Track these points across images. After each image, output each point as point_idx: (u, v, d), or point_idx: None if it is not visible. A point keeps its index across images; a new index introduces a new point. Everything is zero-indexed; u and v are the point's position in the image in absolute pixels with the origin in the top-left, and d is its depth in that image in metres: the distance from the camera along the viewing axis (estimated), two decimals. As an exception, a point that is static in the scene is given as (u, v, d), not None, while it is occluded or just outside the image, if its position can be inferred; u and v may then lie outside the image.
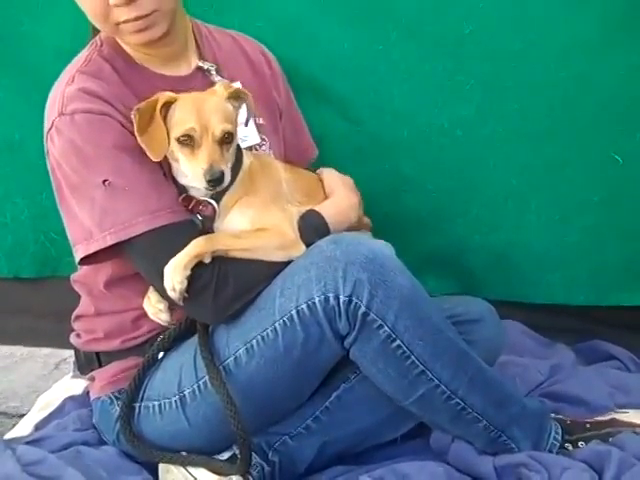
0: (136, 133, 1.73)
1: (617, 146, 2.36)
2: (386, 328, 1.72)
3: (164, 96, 1.75)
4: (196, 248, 1.72)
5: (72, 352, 2.12)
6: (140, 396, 1.90)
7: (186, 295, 1.73)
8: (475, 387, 1.82)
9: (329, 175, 2.07)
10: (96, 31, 1.93)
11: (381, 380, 1.81)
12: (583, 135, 2.37)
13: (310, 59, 2.38)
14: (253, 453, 1.83)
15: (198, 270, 1.73)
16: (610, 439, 1.93)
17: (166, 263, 1.72)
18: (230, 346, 1.80)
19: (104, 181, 1.75)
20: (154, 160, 1.76)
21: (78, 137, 1.78)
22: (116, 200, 1.76)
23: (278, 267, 1.80)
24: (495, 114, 2.38)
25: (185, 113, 1.74)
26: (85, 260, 1.82)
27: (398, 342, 1.73)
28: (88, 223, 1.78)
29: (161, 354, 1.91)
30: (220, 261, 1.76)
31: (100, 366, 1.99)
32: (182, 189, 1.83)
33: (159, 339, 1.89)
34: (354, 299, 1.69)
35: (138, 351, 1.94)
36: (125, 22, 1.81)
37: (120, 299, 1.94)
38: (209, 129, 1.73)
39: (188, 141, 1.73)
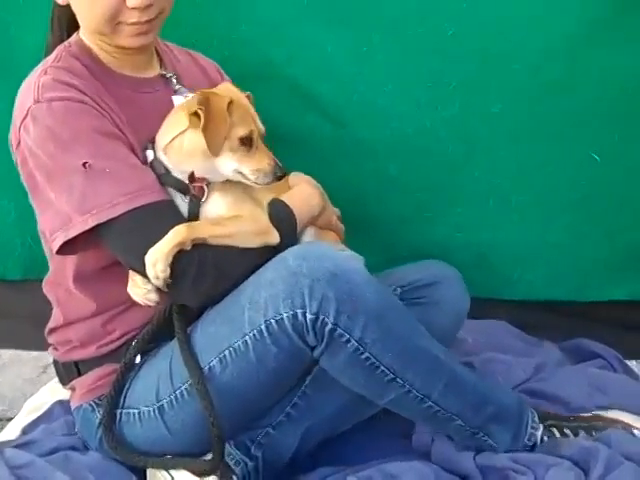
0: (202, 128, 1.76)
1: (596, 146, 2.41)
2: (353, 342, 1.73)
3: (223, 96, 1.82)
4: (177, 236, 1.73)
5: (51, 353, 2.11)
6: (121, 402, 1.91)
7: (169, 281, 1.74)
8: (449, 392, 1.84)
9: (292, 175, 2.09)
10: (53, 43, 1.96)
11: (352, 385, 1.84)
12: (563, 135, 2.41)
13: (294, 62, 2.39)
14: (235, 450, 1.88)
15: (178, 256, 1.74)
16: (594, 433, 1.95)
17: (148, 244, 1.73)
18: (203, 357, 1.82)
19: (84, 164, 1.75)
20: (214, 156, 1.80)
21: (56, 122, 1.77)
22: (96, 182, 1.75)
23: (254, 254, 1.82)
24: (478, 115, 2.40)
25: (244, 114, 1.84)
26: (63, 249, 1.80)
27: (367, 354, 1.75)
28: (66, 209, 1.77)
29: (138, 358, 1.91)
30: (199, 247, 1.77)
31: (79, 375, 1.99)
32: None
33: (134, 342, 1.90)
34: (321, 316, 1.71)
35: (115, 357, 1.94)
36: (132, 24, 1.84)
37: (86, 303, 1.93)
38: (259, 129, 1.86)
39: (248, 141, 1.82)
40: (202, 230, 1.78)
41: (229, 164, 1.82)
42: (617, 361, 2.40)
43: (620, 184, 2.46)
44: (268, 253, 1.82)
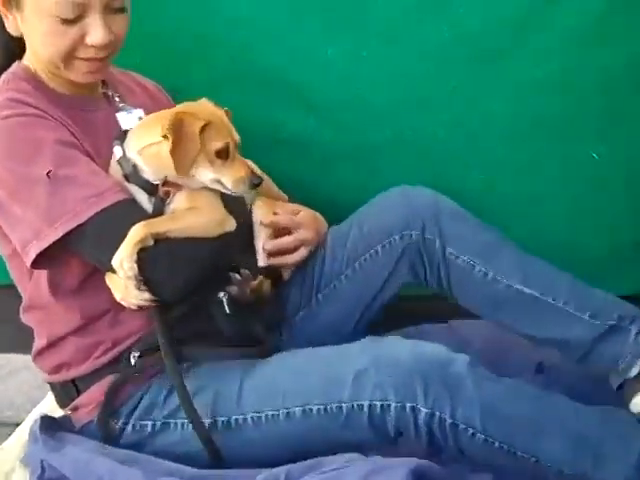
0: (169, 150, 1.78)
1: (595, 145, 2.44)
2: (479, 435, 1.75)
3: (197, 118, 1.83)
4: (136, 235, 1.76)
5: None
6: (155, 414, 1.90)
7: (140, 278, 1.76)
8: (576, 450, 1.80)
9: None
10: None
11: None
12: (562, 134, 2.45)
13: (294, 66, 2.42)
14: None
15: (142, 253, 1.75)
16: None
17: (118, 243, 1.75)
18: (286, 399, 1.82)
19: (47, 173, 1.75)
20: (180, 175, 1.82)
21: (14, 138, 1.79)
22: (61, 190, 1.76)
23: (215, 247, 1.86)
24: (476, 115, 2.44)
25: (219, 128, 1.86)
26: (38, 263, 1.80)
27: (497, 443, 1.76)
28: (35, 222, 1.76)
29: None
30: (161, 242, 1.79)
31: (79, 393, 1.97)
32: None
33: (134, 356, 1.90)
34: (437, 412, 1.73)
35: (114, 367, 1.93)
36: (87, 60, 1.86)
37: (70, 318, 1.93)
38: (233, 139, 1.88)
39: (224, 153, 1.85)
40: (160, 225, 1.81)
41: (207, 175, 1.85)
42: None
43: (619, 182, 2.50)
44: (226, 241, 1.87)
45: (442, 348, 1.83)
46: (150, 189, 1.86)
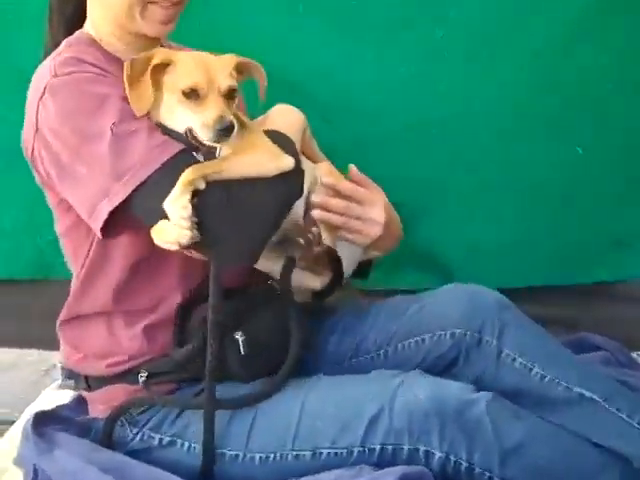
0: (125, 84, 1.68)
1: (580, 139, 2.50)
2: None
3: (160, 54, 1.72)
4: (186, 176, 1.63)
5: (61, 358, 2.09)
6: (165, 428, 1.86)
7: (195, 219, 1.62)
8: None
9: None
10: (53, 43, 1.92)
11: None
12: (548, 130, 2.50)
13: (292, 67, 2.43)
14: None
15: (197, 198, 1.63)
16: None
17: None
18: (296, 442, 1.77)
19: (111, 127, 1.68)
20: (138, 115, 1.70)
21: (76, 92, 1.73)
22: (125, 144, 1.68)
23: (273, 183, 1.72)
24: (466, 114, 2.48)
25: (190, 68, 1.71)
26: (106, 230, 1.71)
27: None
28: (103, 179, 1.68)
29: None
30: (216, 183, 1.67)
31: (90, 389, 1.96)
32: None
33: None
34: (452, 457, 1.71)
35: (124, 378, 1.90)
36: (161, 6, 1.82)
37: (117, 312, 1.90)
38: (215, 84, 1.69)
39: (193, 94, 1.68)
40: (209, 166, 1.69)
41: (175, 118, 1.72)
42: (622, 354, 2.38)
43: (602, 175, 2.55)
44: (287, 181, 1.76)
45: (463, 388, 1.77)
46: (184, 140, 1.72)
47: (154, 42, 1.91)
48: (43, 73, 1.78)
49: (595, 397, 1.83)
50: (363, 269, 2.09)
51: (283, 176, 1.74)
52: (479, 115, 2.47)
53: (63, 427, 1.93)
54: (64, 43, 1.87)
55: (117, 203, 1.67)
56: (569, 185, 2.56)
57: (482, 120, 2.48)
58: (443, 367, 1.92)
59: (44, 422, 1.91)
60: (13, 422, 2.20)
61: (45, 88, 1.74)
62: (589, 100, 2.46)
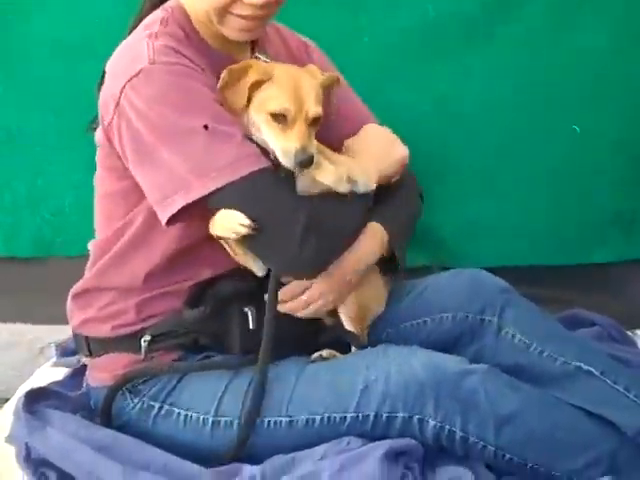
0: (218, 89, 1.71)
1: (576, 118, 2.50)
2: (490, 447, 1.75)
3: (256, 71, 1.72)
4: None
5: (57, 337, 2.15)
6: (163, 397, 1.87)
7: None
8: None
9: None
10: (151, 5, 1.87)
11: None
12: (545, 109, 2.50)
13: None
14: None
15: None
16: None
17: (269, 209, 1.68)
18: (290, 407, 1.79)
19: (205, 126, 1.67)
20: (234, 111, 1.73)
21: (174, 84, 1.70)
22: (217, 145, 1.67)
23: (361, 209, 1.82)
24: (463, 92, 2.48)
25: (283, 90, 1.72)
26: (175, 217, 1.70)
27: (508, 456, 1.76)
28: (182, 171, 1.67)
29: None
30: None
31: (90, 354, 1.95)
32: None
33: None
34: (447, 425, 1.73)
35: (128, 344, 1.89)
36: (242, 17, 1.75)
37: (135, 275, 1.88)
38: (303, 109, 1.71)
39: (281, 118, 1.70)
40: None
41: (259, 134, 1.74)
42: (615, 330, 2.40)
43: (599, 153, 2.56)
44: (366, 203, 1.83)
45: (459, 360, 1.81)
46: (268, 156, 1.74)
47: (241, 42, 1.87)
48: (139, 52, 1.72)
49: (592, 370, 1.87)
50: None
51: (365, 197, 1.81)
52: (475, 94, 2.47)
53: (56, 404, 1.94)
54: (159, 18, 1.80)
55: (193, 199, 1.67)
56: (568, 164, 2.56)
57: (479, 99, 2.48)
58: (444, 347, 1.94)
59: (36, 400, 1.92)
60: (8, 399, 2.20)
61: (140, 71, 1.69)
62: (586, 79, 2.46)
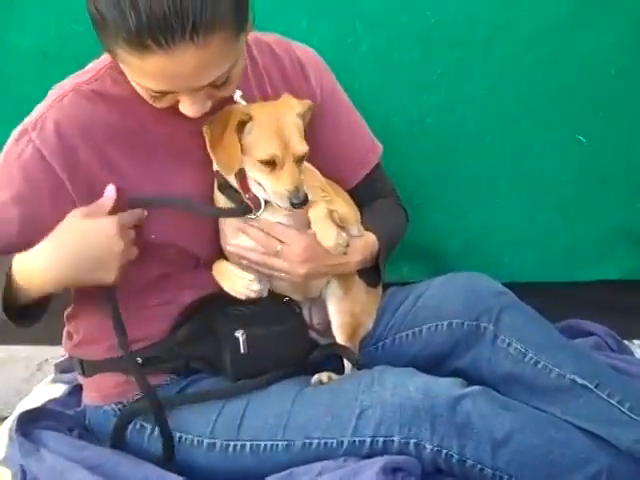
0: (209, 148, 1.72)
1: (582, 128, 2.45)
2: (488, 470, 1.74)
3: (237, 113, 1.72)
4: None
5: (54, 353, 2.16)
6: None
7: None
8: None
9: None
10: None
11: None
12: (549, 119, 2.45)
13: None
14: None
15: None
16: None
17: None
18: (287, 431, 1.80)
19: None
20: (227, 176, 1.78)
21: (8, 165, 1.74)
22: None
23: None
24: (463, 101, 2.43)
25: (266, 134, 1.73)
26: None
27: (507, 476, 1.75)
28: None
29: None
30: None
31: (84, 374, 1.97)
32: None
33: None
34: (444, 450, 1.73)
35: (120, 365, 1.90)
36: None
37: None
38: (289, 149, 1.73)
39: (270, 164, 1.72)
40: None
41: (252, 176, 1.76)
42: (612, 339, 2.39)
43: (606, 165, 2.50)
44: None
45: (453, 382, 1.81)
46: (235, 197, 1.80)
47: None
48: (37, 108, 1.76)
49: (587, 383, 1.85)
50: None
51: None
52: (477, 104, 2.43)
53: (50, 424, 1.94)
54: (99, 67, 1.79)
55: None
56: (572, 176, 2.51)
57: (481, 110, 2.44)
58: (441, 356, 1.98)
59: (30, 421, 1.92)
60: (6, 418, 2.18)
61: (21, 131, 1.75)
62: (590, 88, 2.41)
